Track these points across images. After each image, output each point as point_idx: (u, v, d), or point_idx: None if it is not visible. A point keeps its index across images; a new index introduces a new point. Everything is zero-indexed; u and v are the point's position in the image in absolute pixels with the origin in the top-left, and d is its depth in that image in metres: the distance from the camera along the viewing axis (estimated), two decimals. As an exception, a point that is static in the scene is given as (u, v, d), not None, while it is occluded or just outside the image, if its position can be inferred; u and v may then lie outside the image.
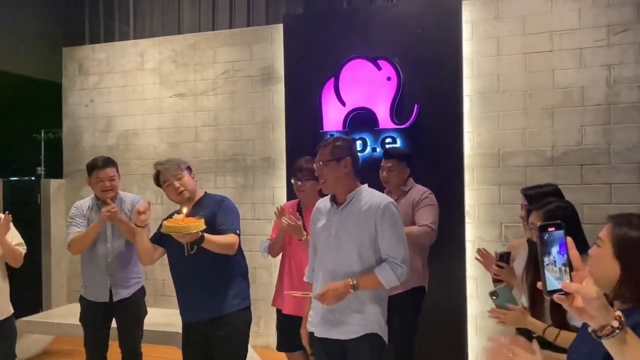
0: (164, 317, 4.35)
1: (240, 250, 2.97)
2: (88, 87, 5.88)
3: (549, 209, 2.26)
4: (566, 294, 1.12)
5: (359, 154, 4.48)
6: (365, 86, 4.57)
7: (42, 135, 6.73)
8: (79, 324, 3.54)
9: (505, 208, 4.35)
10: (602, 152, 4.16)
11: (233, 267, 2.93)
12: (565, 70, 4.25)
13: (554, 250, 1.14)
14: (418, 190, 3.54)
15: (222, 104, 5.33)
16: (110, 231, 3.49)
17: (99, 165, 3.50)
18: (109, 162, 3.56)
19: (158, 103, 5.59)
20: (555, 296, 1.13)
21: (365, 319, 2.53)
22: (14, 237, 3.28)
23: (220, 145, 5.32)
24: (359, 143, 4.60)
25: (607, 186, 4.13)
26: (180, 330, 3.05)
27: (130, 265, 3.57)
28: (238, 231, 2.90)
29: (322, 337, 2.60)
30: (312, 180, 3.18)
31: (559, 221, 1.17)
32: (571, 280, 1.13)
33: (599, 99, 4.17)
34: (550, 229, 1.15)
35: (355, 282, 2.47)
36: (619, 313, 1.12)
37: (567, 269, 1.13)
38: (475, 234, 4.44)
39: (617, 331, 1.11)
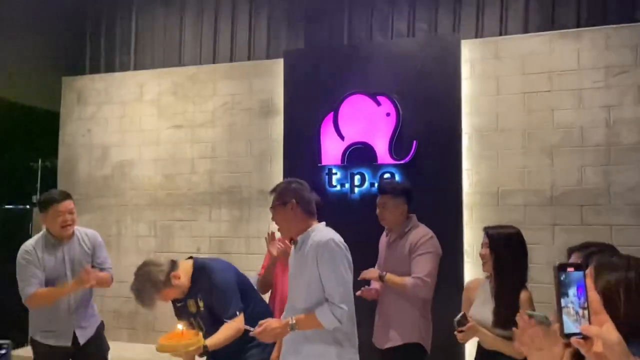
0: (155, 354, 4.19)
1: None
2: (86, 117, 5.85)
3: (592, 251, 2.18)
4: (584, 337, 1.05)
5: (357, 188, 4.53)
6: (365, 121, 4.56)
7: (39, 163, 6.69)
8: None
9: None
10: (602, 192, 4.12)
11: (246, 336, 2.79)
12: (564, 110, 4.26)
13: (572, 291, 1.08)
14: (417, 234, 3.20)
15: (220, 136, 5.31)
16: (70, 272, 3.29)
17: (57, 199, 3.28)
18: (67, 195, 3.36)
19: (155, 134, 5.56)
20: (573, 340, 1.06)
21: (318, 353, 2.51)
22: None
23: (217, 177, 5.27)
24: (357, 178, 4.57)
25: (607, 227, 4.08)
26: None
27: (90, 303, 3.43)
28: (239, 312, 2.77)
29: None
30: None
31: (579, 262, 1.12)
32: (590, 324, 1.06)
33: (599, 140, 4.16)
34: (569, 269, 1.09)
35: (294, 321, 2.47)
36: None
37: (586, 312, 1.07)
38: (474, 274, 4.34)
39: None
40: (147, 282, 2.70)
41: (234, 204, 5.18)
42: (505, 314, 2.47)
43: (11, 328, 5.07)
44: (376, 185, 4.49)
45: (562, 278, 1.09)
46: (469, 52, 4.52)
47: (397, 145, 4.48)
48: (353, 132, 4.60)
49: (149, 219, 5.51)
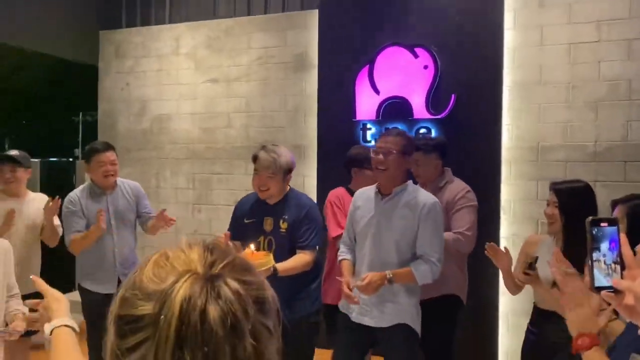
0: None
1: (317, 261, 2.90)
2: (124, 71, 5.92)
3: (637, 204, 2.11)
4: (616, 291, 1.05)
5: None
6: (401, 74, 4.46)
7: (80, 117, 6.87)
8: None
9: (543, 204, 4.10)
10: (649, 148, 3.97)
11: (309, 274, 2.85)
12: (611, 62, 4.05)
13: (604, 246, 1.08)
14: (453, 189, 3.19)
15: (254, 91, 5.30)
16: (114, 221, 3.42)
17: (100, 149, 3.42)
18: (110, 146, 3.50)
19: (192, 88, 5.59)
20: (604, 293, 1.07)
21: (397, 309, 2.60)
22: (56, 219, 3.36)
23: (252, 131, 5.30)
24: (392, 133, 4.51)
25: (652, 184, 3.94)
26: None
27: (133, 251, 3.55)
28: (317, 247, 2.84)
29: (356, 322, 2.68)
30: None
31: (614, 217, 1.10)
32: (622, 278, 1.05)
33: (648, 93, 3.97)
34: (602, 224, 1.09)
35: (391, 275, 2.52)
36: None
37: (618, 267, 1.07)
38: (510, 231, 4.30)
39: None
40: (281, 159, 2.81)
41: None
42: None
43: (59, 275, 5.35)
44: (412, 140, 4.44)
45: (594, 232, 1.09)
46: (512, 0, 4.31)
47: (434, 99, 4.39)
48: (389, 86, 4.51)
49: (187, 172, 5.62)
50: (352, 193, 3.23)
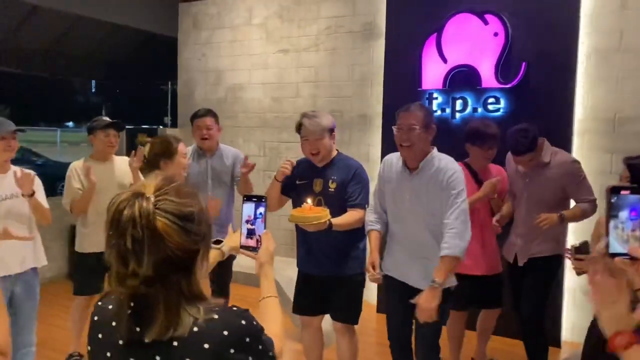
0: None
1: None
2: (201, 42, 6.17)
3: None
4: (632, 258, 1.06)
5: (458, 114, 4.41)
6: (470, 42, 4.34)
7: (169, 86, 7.22)
8: None
9: (617, 179, 3.97)
10: None
11: (357, 233, 2.96)
12: None
13: (623, 214, 1.08)
14: (562, 163, 3.29)
15: (323, 60, 5.35)
16: (210, 180, 3.72)
17: (199, 114, 3.77)
18: (209, 112, 3.80)
19: (264, 58, 5.74)
20: (618, 259, 1.07)
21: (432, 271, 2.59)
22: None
23: (320, 101, 5.38)
24: (459, 102, 4.42)
25: None
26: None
27: (230, 211, 3.78)
28: (366, 205, 2.95)
29: (400, 280, 2.76)
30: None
31: (636, 185, 1.08)
32: None
33: None
34: (623, 192, 1.08)
35: (437, 281, 2.50)
36: None
37: (638, 234, 1.06)
38: (580, 205, 4.13)
39: None
40: (322, 121, 2.97)
41: (335, 127, 5.27)
42: None
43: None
44: (479, 110, 4.34)
45: (613, 200, 1.08)
46: (593, -39, 4.04)
47: (503, 67, 4.24)
48: (456, 54, 4.41)
49: (258, 140, 5.83)
50: (470, 169, 3.45)
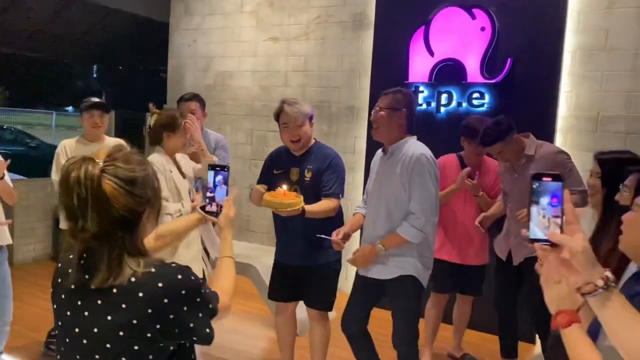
0: (245, 249, 4.63)
1: (340, 209, 3.02)
2: (192, 28, 6.14)
3: None
4: (552, 245, 1.08)
5: (443, 108, 4.42)
6: (457, 36, 4.35)
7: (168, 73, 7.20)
8: None
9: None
10: None
11: (333, 222, 2.97)
12: (688, 27, 3.73)
13: (544, 200, 1.09)
14: (548, 157, 3.17)
15: (312, 50, 5.34)
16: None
17: (185, 98, 3.91)
18: (195, 97, 3.92)
19: (253, 46, 5.72)
20: (537, 245, 1.10)
21: (401, 262, 2.67)
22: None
23: (308, 91, 5.38)
24: (444, 96, 4.43)
25: None
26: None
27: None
28: (341, 195, 2.96)
29: (363, 275, 2.81)
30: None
31: (557, 173, 1.10)
32: (562, 233, 1.07)
33: None
34: (545, 179, 1.09)
35: (381, 245, 2.63)
36: (607, 273, 1.06)
37: (558, 221, 1.08)
38: (561, 202, 4.15)
39: (601, 290, 1.05)
40: (302, 108, 2.92)
41: (322, 118, 5.28)
42: (604, 257, 1.97)
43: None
44: (464, 105, 4.35)
45: (534, 186, 1.10)
46: (582, -42, 4.04)
47: (489, 63, 4.25)
48: (443, 48, 4.41)
49: (246, 128, 5.83)
50: (462, 161, 3.51)
